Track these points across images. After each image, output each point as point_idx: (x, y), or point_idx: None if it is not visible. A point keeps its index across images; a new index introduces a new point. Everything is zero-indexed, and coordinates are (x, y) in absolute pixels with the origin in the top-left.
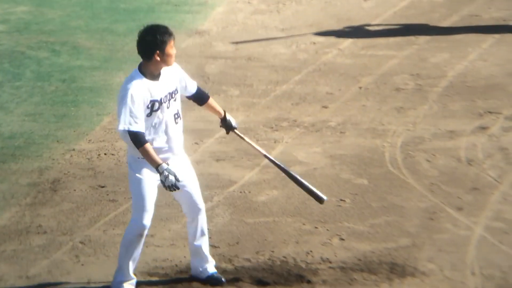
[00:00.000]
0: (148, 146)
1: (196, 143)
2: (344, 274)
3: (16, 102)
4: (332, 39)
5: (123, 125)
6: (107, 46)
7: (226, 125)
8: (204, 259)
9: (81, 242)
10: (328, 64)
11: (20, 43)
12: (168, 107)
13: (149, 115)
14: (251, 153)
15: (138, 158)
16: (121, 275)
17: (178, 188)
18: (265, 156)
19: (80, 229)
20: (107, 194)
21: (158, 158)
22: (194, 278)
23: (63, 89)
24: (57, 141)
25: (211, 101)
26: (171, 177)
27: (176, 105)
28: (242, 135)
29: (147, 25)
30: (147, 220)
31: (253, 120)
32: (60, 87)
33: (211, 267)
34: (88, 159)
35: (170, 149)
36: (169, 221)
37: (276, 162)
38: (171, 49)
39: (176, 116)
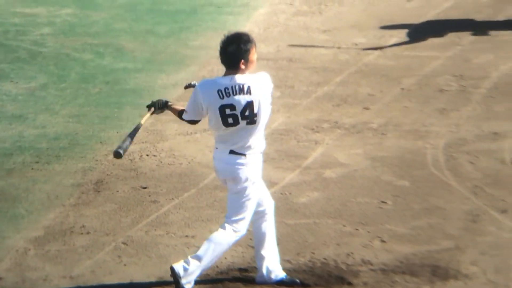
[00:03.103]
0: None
1: None
2: (385, 276)
3: (61, 104)
4: (374, 40)
5: None
6: (149, 48)
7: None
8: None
9: (123, 243)
10: (369, 65)
11: (65, 45)
12: None
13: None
14: (292, 155)
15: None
16: None
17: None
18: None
19: (123, 230)
20: (149, 195)
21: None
22: (236, 279)
23: (106, 91)
24: (101, 142)
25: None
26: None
27: None
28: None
29: (229, 34)
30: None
31: (294, 121)
32: (103, 89)
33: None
34: (131, 160)
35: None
36: (210, 222)
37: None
38: (254, 55)
39: None
